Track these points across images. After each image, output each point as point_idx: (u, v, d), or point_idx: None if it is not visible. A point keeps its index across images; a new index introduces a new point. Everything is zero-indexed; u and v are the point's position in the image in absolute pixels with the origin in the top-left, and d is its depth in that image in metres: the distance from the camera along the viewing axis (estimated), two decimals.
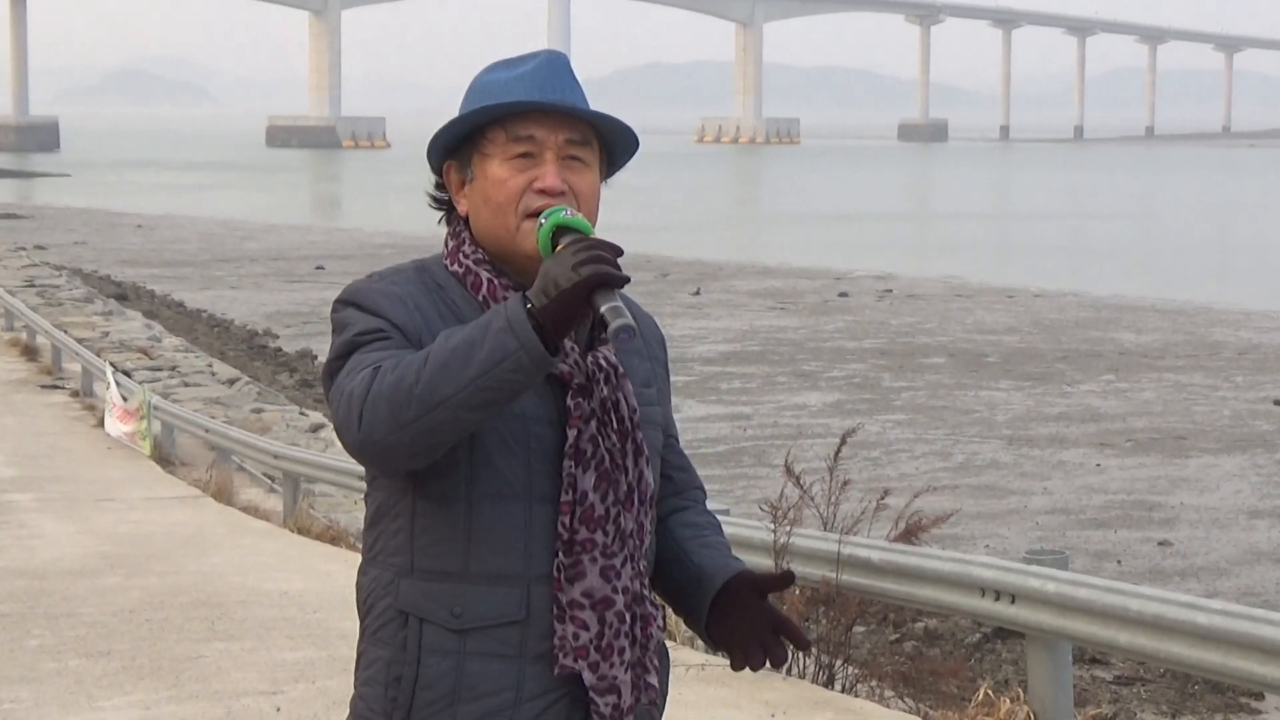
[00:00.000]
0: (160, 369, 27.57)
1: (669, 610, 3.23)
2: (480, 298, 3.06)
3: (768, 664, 3.09)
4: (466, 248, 3.10)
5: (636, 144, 3.16)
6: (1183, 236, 70.01)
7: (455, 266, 3.10)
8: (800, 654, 8.92)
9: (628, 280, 2.82)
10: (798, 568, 8.76)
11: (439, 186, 3.19)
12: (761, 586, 3.11)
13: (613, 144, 3.14)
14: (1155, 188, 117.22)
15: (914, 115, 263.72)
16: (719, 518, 3.42)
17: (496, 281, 3.05)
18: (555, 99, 3.04)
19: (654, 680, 3.08)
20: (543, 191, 3.02)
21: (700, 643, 9.32)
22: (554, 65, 3.09)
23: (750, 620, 3.09)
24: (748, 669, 3.10)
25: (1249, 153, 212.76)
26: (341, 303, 3.06)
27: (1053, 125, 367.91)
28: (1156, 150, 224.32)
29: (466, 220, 3.13)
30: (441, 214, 3.21)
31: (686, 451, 3.43)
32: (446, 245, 3.15)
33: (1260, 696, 12.60)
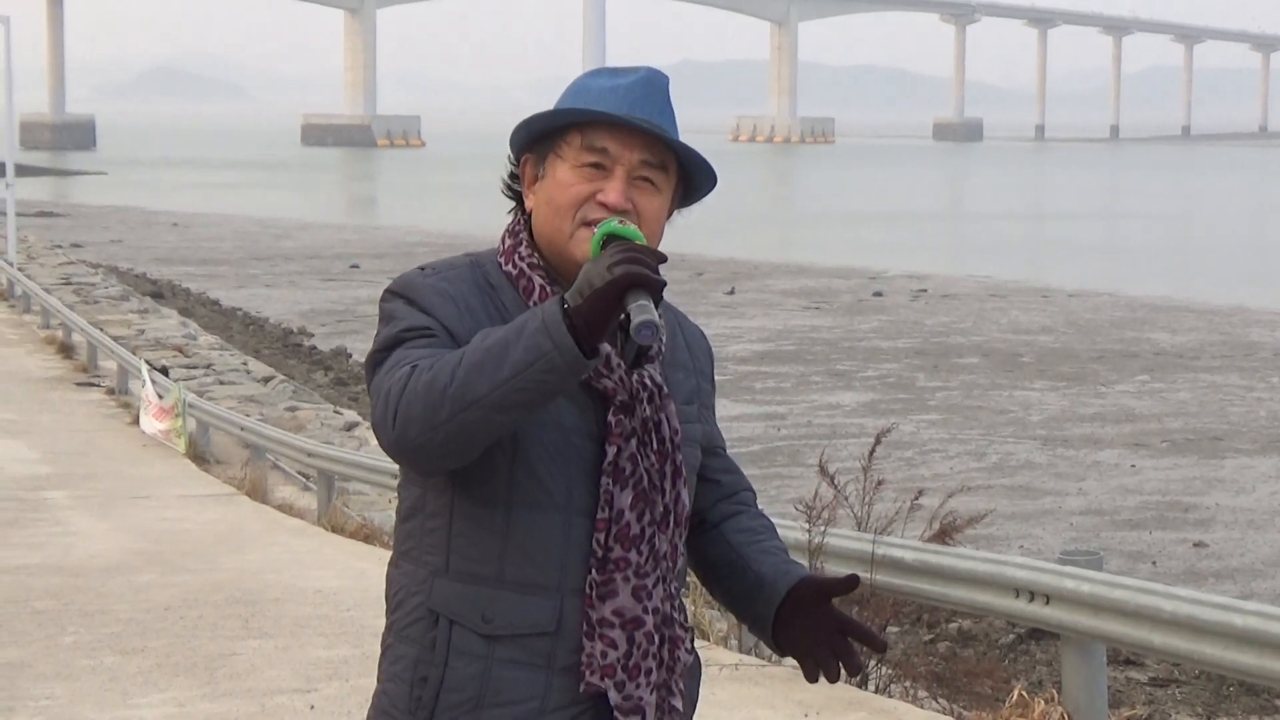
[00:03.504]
0: (195, 367, 27.66)
1: (690, 611, 3.20)
2: (531, 303, 3.02)
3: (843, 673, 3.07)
4: (523, 250, 3.07)
5: (714, 180, 3.12)
6: (1219, 237, 69.76)
7: (510, 267, 3.08)
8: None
9: (663, 283, 2.79)
10: (831, 568, 8.75)
11: (514, 176, 3.16)
12: (826, 591, 3.08)
13: (691, 175, 3.10)
14: (1191, 188, 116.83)
15: (949, 114, 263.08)
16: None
17: (550, 289, 3.02)
18: (642, 118, 3.01)
19: (678, 704, 3.06)
20: (604, 205, 2.98)
21: (734, 642, 9.32)
22: (651, 84, 3.06)
23: (818, 626, 3.06)
24: (823, 679, 3.06)
25: None
26: (392, 293, 3.04)
27: (1088, 125, 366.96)
28: (1192, 150, 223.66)
29: (529, 220, 3.11)
30: (512, 206, 3.17)
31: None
32: (504, 243, 3.12)
33: None
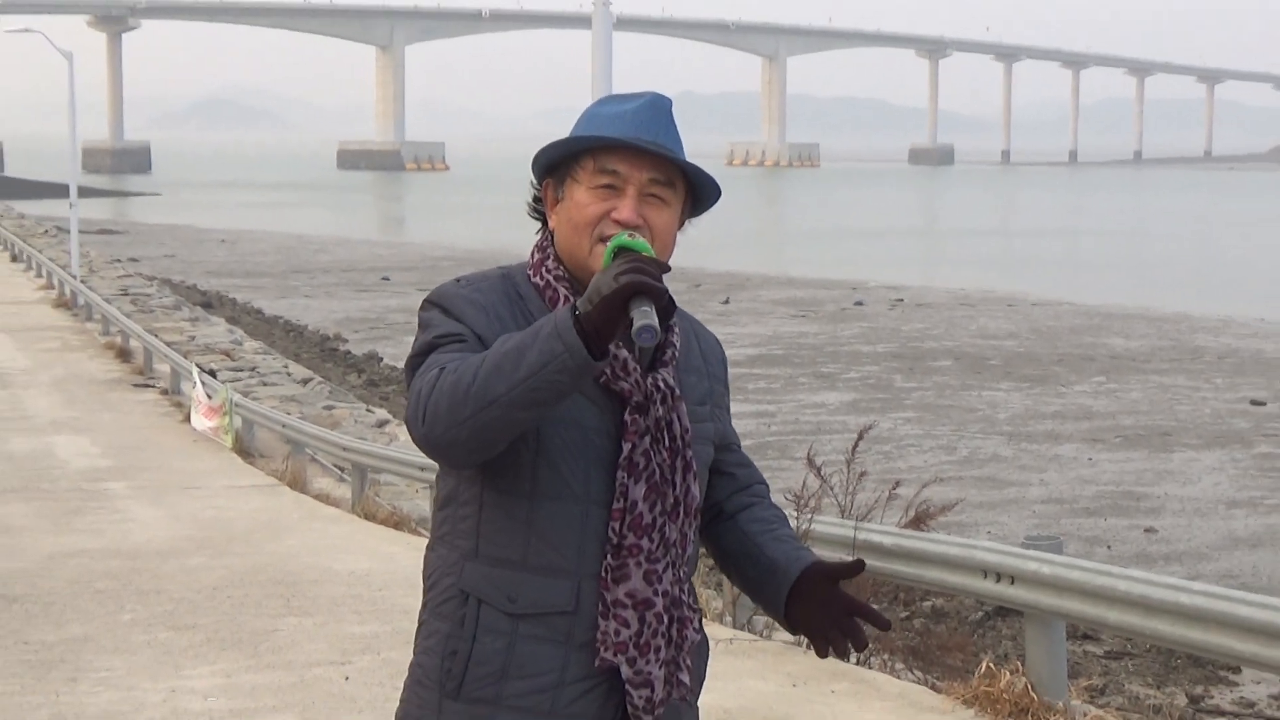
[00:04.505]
0: (241, 369, 27.64)
1: (695, 599, 3.19)
2: None
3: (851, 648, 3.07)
4: (550, 263, 3.08)
5: (718, 192, 3.12)
6: (1168, 251, 69.71)
7: (538, 279, 3.09)
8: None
9: (664, 290, 2.80)
10: (817, 552, 8.74)
11: (537, 199, 3.17)
12: (834, 574, 3.08)
13: (697, 188, 3.10)
14: (1143, 207, 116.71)
15: (923, 141, 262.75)
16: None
17: (573, 299, 3.00)
18: (648, 139, 3.01)
19: (685, 678, 3.06)
20: (619, 223, 2.99)
21: (729, 619, 9.31)
22: (655, 108, 3.06)
23: (827, 607, 3.06)
24: (832, 654, 3.07)
25: (1228, 175, 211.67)
26: (429, 303, 3.06)
27: (1050, 150, 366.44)
28: (1144, 173, 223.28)
29: (553, 236, 3.12)
30: (538, 225, 3.18)
31: None
32: (533, 257, 3.13)
33: (1237, 670, 12.56)
